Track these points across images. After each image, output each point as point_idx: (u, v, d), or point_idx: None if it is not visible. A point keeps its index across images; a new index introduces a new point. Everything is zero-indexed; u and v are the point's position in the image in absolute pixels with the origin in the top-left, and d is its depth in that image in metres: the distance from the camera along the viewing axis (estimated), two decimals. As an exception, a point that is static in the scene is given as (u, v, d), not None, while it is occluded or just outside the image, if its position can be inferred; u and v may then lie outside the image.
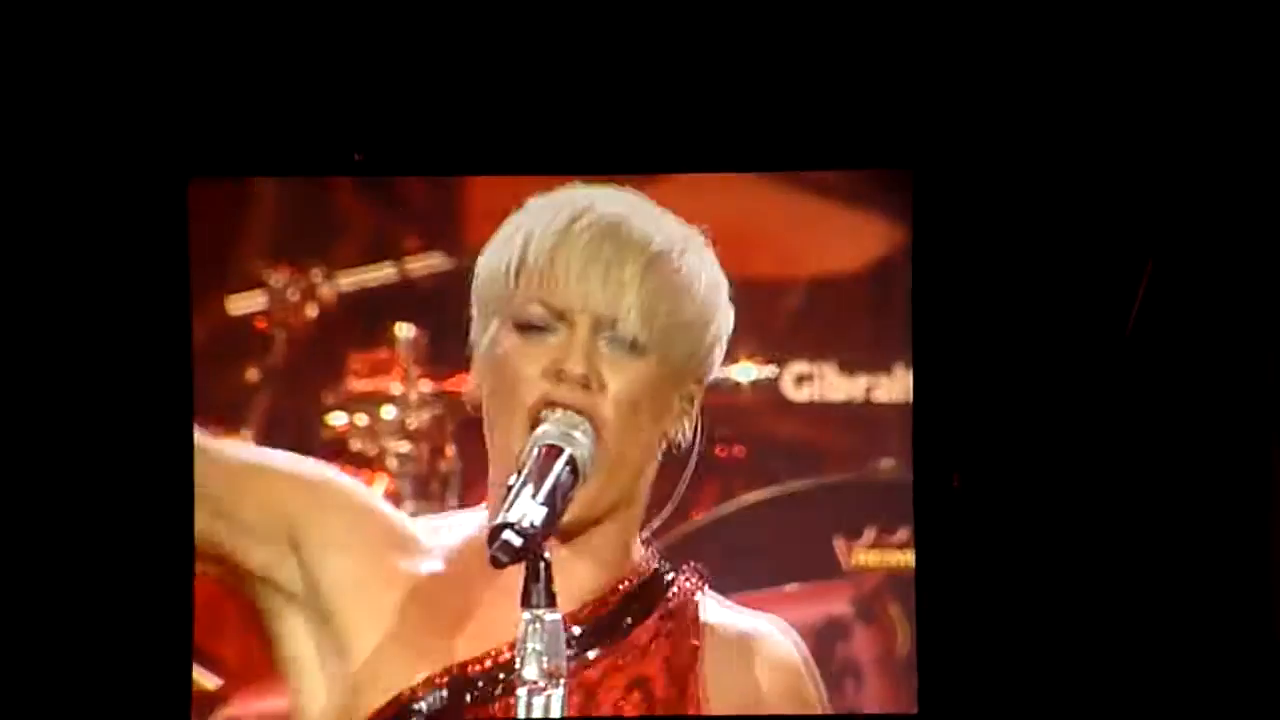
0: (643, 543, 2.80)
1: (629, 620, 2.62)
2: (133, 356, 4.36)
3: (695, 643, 2.75)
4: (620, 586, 2.71)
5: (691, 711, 2.65)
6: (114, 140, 4.37)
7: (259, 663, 4.08)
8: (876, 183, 4.47)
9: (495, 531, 2.14)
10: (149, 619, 4.34)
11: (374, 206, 4.43)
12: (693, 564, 2.80)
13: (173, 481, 4.21)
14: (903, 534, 4.38)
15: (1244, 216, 4.43)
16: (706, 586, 2.79)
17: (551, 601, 2.18)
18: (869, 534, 4.38)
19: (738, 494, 4.43)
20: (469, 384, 2.63)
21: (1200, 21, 4.39)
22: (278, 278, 4.36)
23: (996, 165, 4.46)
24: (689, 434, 2.56)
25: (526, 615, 2.18)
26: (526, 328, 2.54)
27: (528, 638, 2.15)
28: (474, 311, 2.72)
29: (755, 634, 2.81)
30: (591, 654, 2.56)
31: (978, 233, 4.47)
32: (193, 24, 4.36)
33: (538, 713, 2.20)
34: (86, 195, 4.37)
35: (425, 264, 4.33)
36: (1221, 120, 4.42)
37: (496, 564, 2.16)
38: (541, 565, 2.18)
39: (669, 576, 2.77)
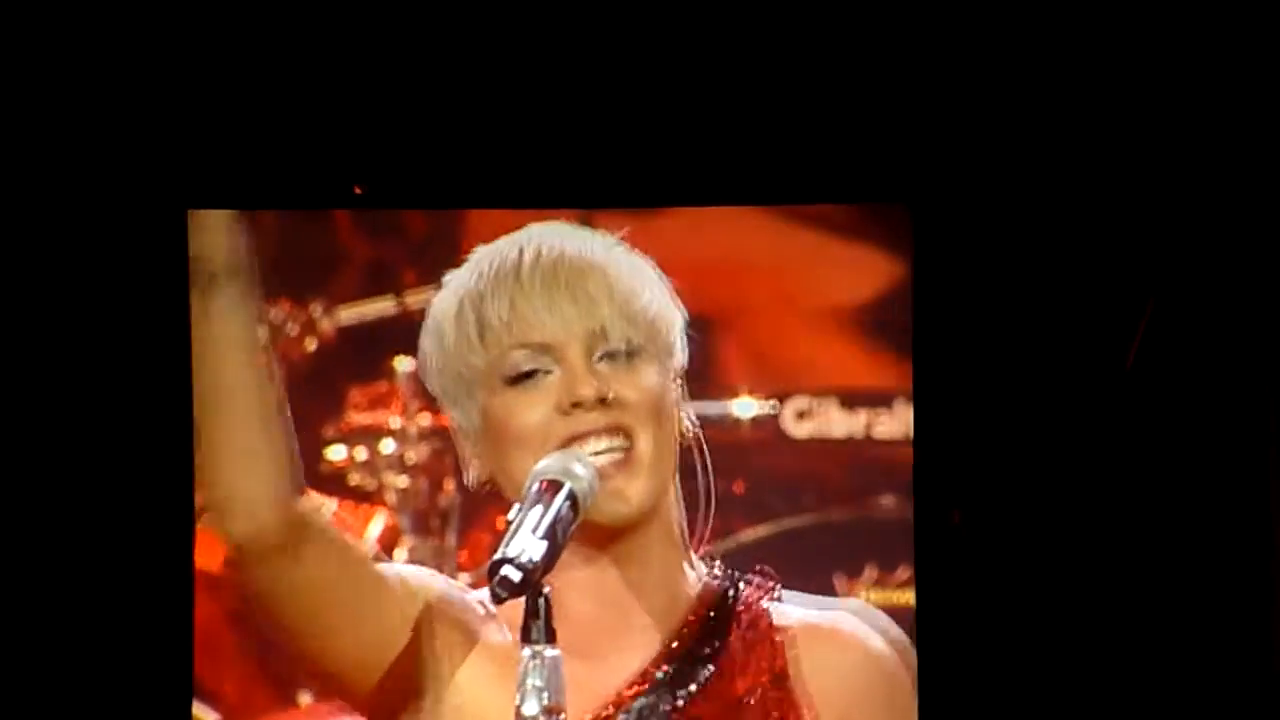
0: (701, 558, 2.87)
1: (711, 647, 2.64)
2: (131, 388, 4.38)
3: (780, 648, 2.70)
4: (692, 618, 2.65)
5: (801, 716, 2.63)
6: (112, 171, 4.38)
7: (259, 697, 4.06)
8: (875, 217, 4.46)
9: (495, 566, 2.14)
10: (148, 652, 4.33)
11: (372, 240, 4.42)
12: (760, 569, 2.82)
13: (173, 515, 4.23)
14: (903, 572, 4.36)
15: (1245, 248, 4.43)
16: (776, 589, 2.86)
17: (552, 638, 2.18)
18: (870, 572, 4.37)
19: (737, 530, 4.41)
20: (470, 471, 2.60)
21: (1200, 55, 4.40)
22: (276, 312, 4.35)
23: (995, 200, 4.47)
24: (692, 421, 2.53)
25: (526, 651, 2.17)
26: (517, 379, 2.48)
27: (528, 674, 2.15)
28: (445, 402, 2.67)
29: (837, 626, 2.79)
30: (686, 692, 2.56)
31: (977, 268, 4.47)
32: (192, 56, 4.37)
33: None
34: (86, 226, 4.38)
35: (424, 297, 4.32)
36: (1222, 153, 4.42)
37: (496, 599, 2.17)
38: (541, 601, 2.18)
39: (734, 590, 2.78)
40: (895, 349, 4.41)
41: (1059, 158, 4.46)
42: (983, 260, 4.47)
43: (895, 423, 4.40)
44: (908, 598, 4.35)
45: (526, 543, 2.15)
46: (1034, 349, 4.47)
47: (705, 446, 2.71)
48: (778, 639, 2.69)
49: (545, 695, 2.16)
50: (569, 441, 2.44)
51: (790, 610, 2.74)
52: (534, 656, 2.20)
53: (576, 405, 2.43)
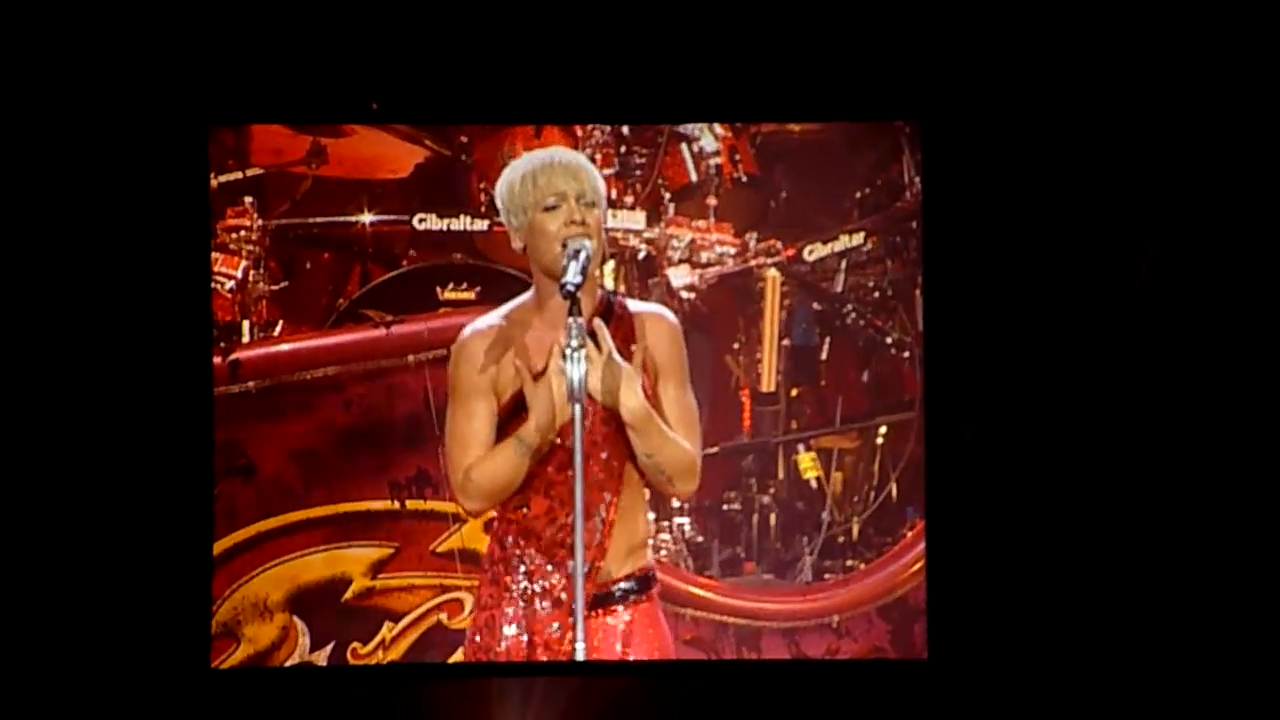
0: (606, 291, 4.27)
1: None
2: (156, 285, 4.47)
3: (630, 322, 4.16)
4: (598, 309, 4.13)
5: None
6: (135, 89, 4.45)
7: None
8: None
9: (563, 285, 3.79)
10: (169, 536, 4.48)
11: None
12: (616, 295, 4.26)
13: (192, 409, 4.46)
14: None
15: (1255, 166, 4.45)
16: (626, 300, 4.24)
17: (580, 314, 3.76)
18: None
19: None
20: (516, 243, 4.12)
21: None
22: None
23: (1007, 116, 4.49)
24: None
25: (570, 319, 3.73)
26: (547, 209, 4.05)
27: (571, 328, 3.73)
28: (508, 214, 4.10)
29: (660, 312, 4.23)
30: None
31: (988, 186, 4.49)
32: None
33: (576, 361, 3.71)
34: (110, 143, 4.45)
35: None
36: (1231, 71, 4.44)
37: (567, 296, 3.77)
38: (577, 297, 3.78)
39: (611, 302, 4.18)
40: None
41: (1070, 74, 4.46)
42: (993, 179, 4.49)
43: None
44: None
45: (575, 274, 3.83)
46: (1043, 265, 4.48)
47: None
48: (629, 318, 4.16)
49: (577, 335, 3.73)
50: (566, 238, 4.06)
51: (631, 305, 4.18)
52: (574, 320, 3.73)
53: (572, 225, 4.05)
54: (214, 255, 4.50)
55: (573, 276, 3.83)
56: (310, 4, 4.47)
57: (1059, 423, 4.48)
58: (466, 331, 4.15)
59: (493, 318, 4.15)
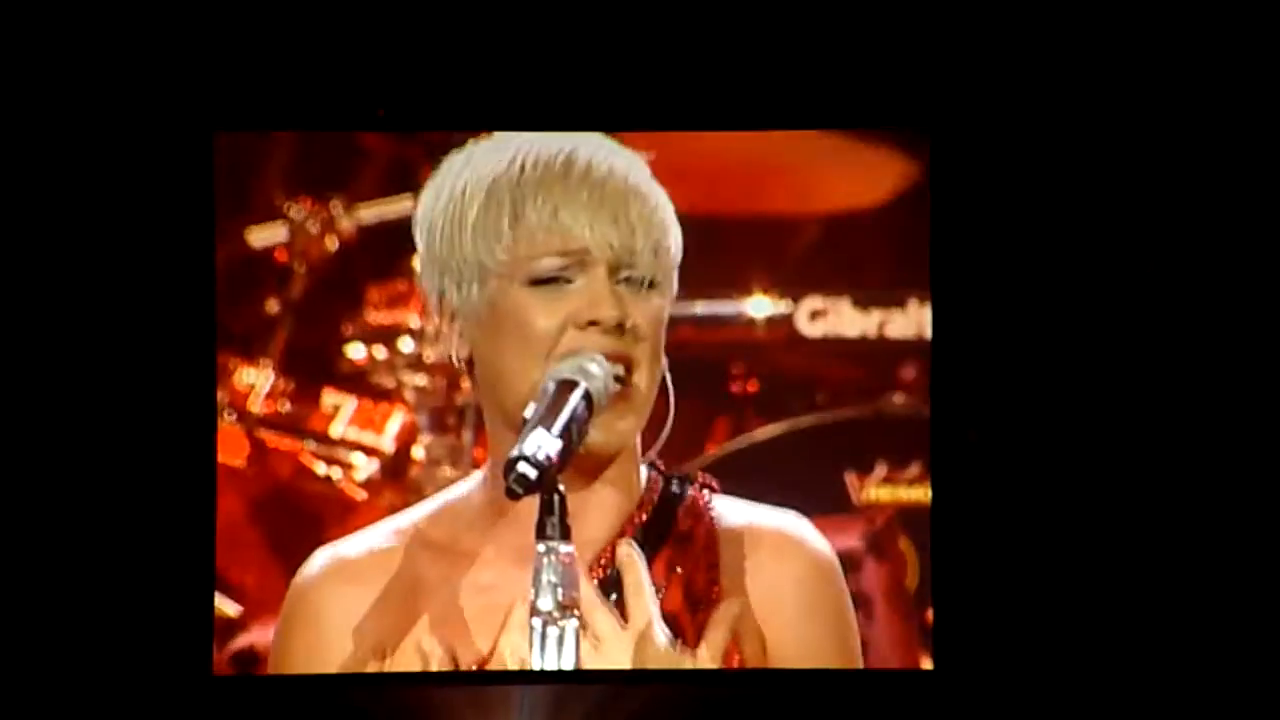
0: (650, 465, 2.83)
1: (656, 541, 2.65)
2: (159, 292, 4.42)
3: (713, 563, 2.70)
4: (635, 520, 2.66)
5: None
6: (139, 94, 4.41)
7: (279, 591, 4.16)
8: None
9: (511, 464, 2.21)
10: (172, 548, 4.41)
11: (392, 138, 4.47)
12: (701, 475, 2.88)
13: (196, 408, 4.34)
14: (914, 469, 4.42)
15: (1266, 181, 4.43)
16: (716, 492, 2.87)
17: (566, 535, 2.26)
18: (880, 469, 4.43)
19: (750, 429, 4.48)
20: (453, 347, 2.61)
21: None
22: (298, 210, 4.41)
23: (1012, 126, 4.45)
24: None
25: (541, 547, 2.23)
26: (539, 282, 2.47)
27: (542, 570, 2.20)
28: (443, 274, 2.64)
29: (782, 529, 2.78)
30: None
31: (996, 187, 4.47)
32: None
33: (551, 644, 2.26)
34: (113, 149, 4.42)
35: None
36: (1238, 77, 4.41)
37: (512, 495, 2.23)
38: (556, 498, 2.24)
39: (678, 492, 2.77)
40: (911, 249, 4.45)
41: (1079, 84, 4.44)
42: (1000, 187, 4.46)
43: (908, 322, 4.44)
44: (917, 494, 4.41)
45: (542, 440, 2.22)
46: (1049, 272, 4.46)
47: (669, 376, 2.67)
48: (714, 547, 2.65)
49: (560, 591, 2.20)
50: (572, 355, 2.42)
51: (735, 511, 2.73)
52: (548, 552, 2.26)
53: (594, 324, 2.43)
54: (218, 259, 4.43)
55: (531, 446, 2.18)
56: (315, 6, 4.43)
57: (1064, 428, 4.45)
58: (313, 567, 2.81)
59: (380, 534, 2.73)
